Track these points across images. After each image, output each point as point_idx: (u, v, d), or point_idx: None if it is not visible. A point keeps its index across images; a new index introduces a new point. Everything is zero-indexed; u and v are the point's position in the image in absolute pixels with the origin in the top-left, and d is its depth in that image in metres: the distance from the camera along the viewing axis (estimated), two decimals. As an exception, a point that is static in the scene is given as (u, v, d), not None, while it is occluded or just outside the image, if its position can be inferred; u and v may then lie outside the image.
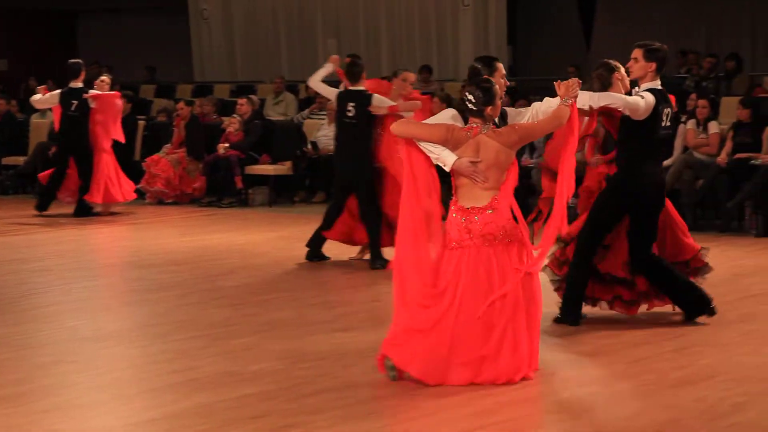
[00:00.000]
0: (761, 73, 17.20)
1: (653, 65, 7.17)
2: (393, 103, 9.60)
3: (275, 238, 11.79)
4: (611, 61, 7.38)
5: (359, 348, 6.89)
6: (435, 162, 6.16)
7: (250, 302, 8.40)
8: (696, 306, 7.39)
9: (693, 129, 12.18)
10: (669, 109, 7.17)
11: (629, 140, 7.19)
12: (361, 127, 9.72)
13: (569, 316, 7.37)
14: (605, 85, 7.26)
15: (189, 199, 14.94)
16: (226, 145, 14.72)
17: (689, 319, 7.43)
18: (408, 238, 6.16)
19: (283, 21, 20.44)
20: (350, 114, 9.72)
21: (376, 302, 8.44)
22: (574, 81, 6.34)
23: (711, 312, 7.36)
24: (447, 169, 6.11)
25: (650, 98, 7.05)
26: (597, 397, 5.78)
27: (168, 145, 15.30)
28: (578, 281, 7.36)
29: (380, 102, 9.62)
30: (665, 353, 6.63)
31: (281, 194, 14.99)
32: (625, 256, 7.36)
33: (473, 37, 18.86)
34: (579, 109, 6.49)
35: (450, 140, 6.07)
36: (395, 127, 6.23)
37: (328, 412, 5.54)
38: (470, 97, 6.06)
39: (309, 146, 14.93)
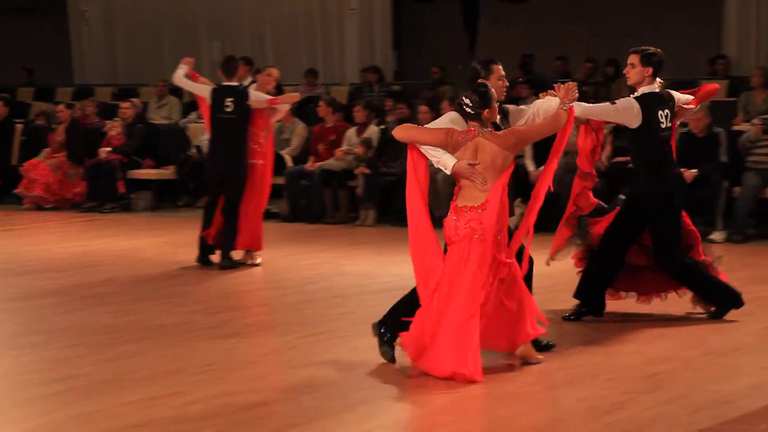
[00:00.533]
0: (639, 79, 17.60)
1: (650, 70, 7.37)
2: (270, 97, 9.88)
3: (159, 243, 11.62)
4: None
5: (245, 354, 6.83)
6: (436, 165, 6.37)
7: (132, 309, 8.26)
8: (726, 300, 7.53)
9: (573, 134, 12.37)
10: (668, 110, 7.32)
11: (636, 148, 7.42)
12: (239, 122, 9.84)
13: (590, 306, 7.54)
14: None
15: (69, 204, 14.64)
16: (108, 149, 14.47)
17: (720, 314, 7.55)
18: (421, 238, 6.50)
19: (166, 23, 20.18)
20: (228, 109, 9.82)
21: (262, 307, 8.38)
22: (572, 85, 6.50)
23: (740, 304, 7.51)
24: (448, 172, 6.32)
25: (626, 103, 7.24)
26: (478, 400, 5.82)
27: (47, 149, 14.97)
28: (599, 278, 7.52)
29: (258, 97, 9.83)
30: (548, 354, 6.70)
31: (165, 199, 14.79)
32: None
33: (359, 40, 18.89)
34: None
35: (449, 143, 6.28)
36: (398, 132, 6.49)
37: (214, 419, 5.46)
38: (467, 101, 6.25)
39: (193, 150, 14.77)
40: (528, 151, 12.62)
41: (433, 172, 12.97)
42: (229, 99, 9.81)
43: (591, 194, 7.68)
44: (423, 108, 13.41)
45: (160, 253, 10.85)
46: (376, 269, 9.95)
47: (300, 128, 14.32)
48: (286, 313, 8.20)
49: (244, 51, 17.79)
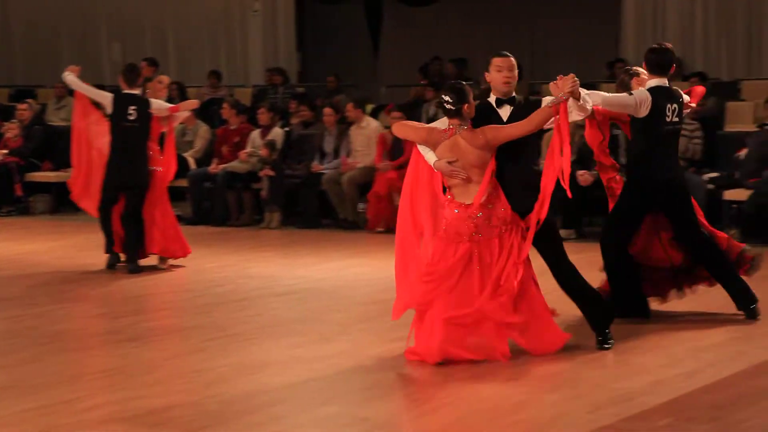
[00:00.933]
0: (540, 81, 17.84)
1: (649, 67, 7.52)
2: (171, 105, 10.07)
3: (58, 246, 11.42)
4: (633, 68, 7.80)
5: (148, 358, 6.74)
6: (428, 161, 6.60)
7: (30, 314, 8.09)
8: (746, 297, 7.59)
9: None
10: (675, 105, 7.43)
11: (636, 138, 7.51)
12: (141, 130, 9.88)
13: (626, 309, 7.50)
14: (627, 90, 7.56)
15: (-36, 208, 14.31)
16: (5, 151, 14.19)
17: (746, 309, 7.58)
18: (407, 226, 6.68)
19: (65, 23, 19.82)
20: (131, 117, 9.82)
21: (167, 310, 8.29)
22: (569, 77, 6.51)
23: (754, 306, 7.59)
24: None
25: (642, 94, 7.35)
26: (386, 399, 5.83)
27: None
28: (619, 274, 7.52)
29: (159, 105, 9.94)
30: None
31: (64, 202, 14.53)
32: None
33: (262, 42, 18.80)
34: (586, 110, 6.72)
35: (429, 141, 6.59)
36: (396, 129, 6.82)
37: (115, 425, 5.38)
38: (446, 98, 6.51)
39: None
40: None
41: (337, 175, 13.01)
42: (132, 107, 9.84)
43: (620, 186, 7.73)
44: (327, 110, 13.42)
45: (60, 257, 10.67)
46: (281, 272, 9.91)
47: (203, 130, 14.20)
48: (191, 316, 8.12)
49: (145, 52, 17.60)
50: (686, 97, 7.68)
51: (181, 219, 13.42)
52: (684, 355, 6.63)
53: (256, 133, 13.59)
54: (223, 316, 8.03)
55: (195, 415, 5.55)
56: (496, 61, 6.83)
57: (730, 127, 12.98)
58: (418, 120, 15.08)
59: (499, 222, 6.51)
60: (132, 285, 9.35)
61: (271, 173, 13.02)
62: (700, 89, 8.00)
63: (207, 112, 15.36)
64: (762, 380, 6.12)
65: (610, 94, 7.41)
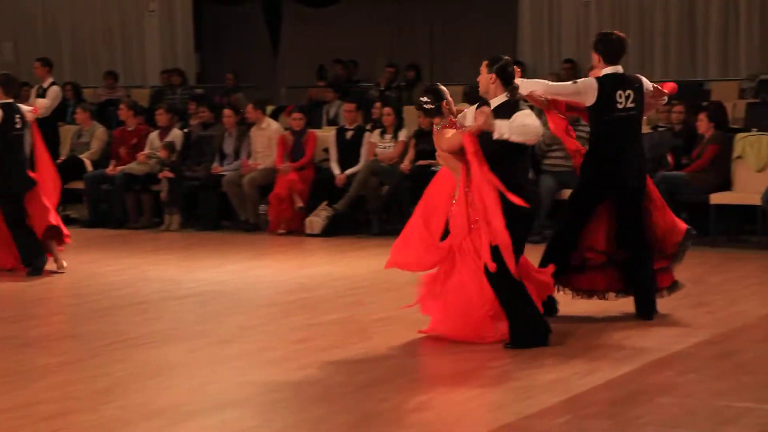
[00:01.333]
0: (439, 83, 17.96)
1: (599, 56, 7.61)
2: (31, 108, 10.35)
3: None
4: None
5: (43, 363, 6.62)
6: None
7: None
8: (651, 306, 7.73)
9: (377, 138, 12.54)
10: (630, 91, 7.48)
11: (591, 125, 7.61)
12: (24, 138, 10.02)
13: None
14: None
15: None
16: None
17: (646, 316, 7.68)
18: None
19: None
20: (18, 126, 9.85)
21: (63, 315, 8.15)
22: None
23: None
24: None
25: (586, 82, 7.49)
26: (287, 402, 5.81)
27: None
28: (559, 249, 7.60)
29: (26, 109, 10.13)
30: (353, 356, 6.76)
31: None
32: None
33: (160, 42, 18.59)
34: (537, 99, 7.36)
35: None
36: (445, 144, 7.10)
37: (9, 433, 5.28)
38: (424, 99, 7.03)
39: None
40: (333, 154, 12.69)
41: (237, 177, 12.93)
42: (18, 116, 9.87)
43: None
44: (227, 112, 13.32)
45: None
46: (181, 274, 9.82)
47: (99, 132, 13.99)
48: (89, 320, 7.99)
49: (38, 52, 17.23)
50: (648, 84, 7.67)
51: (77, 221, 13.27)
52: (581, 354, 6.74)
53: (154, 135, 13.43)
54: (121, 320, 7.91)
55: (93, 421, 5.46)
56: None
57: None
58: (319, 121, 15.09)
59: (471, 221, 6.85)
60: (27, 289, 9.17)
61: (171, 175, 12.89)
62: (671, 85, 8.09)
63: (104, 113, 15.15)
64: (657, 377, 6.25)
65: (553, 83, 7.63)
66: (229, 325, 7.70)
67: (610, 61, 7.57)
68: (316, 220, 12.22)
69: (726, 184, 11.29)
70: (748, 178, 11.24)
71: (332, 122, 14.76)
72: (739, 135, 11.45)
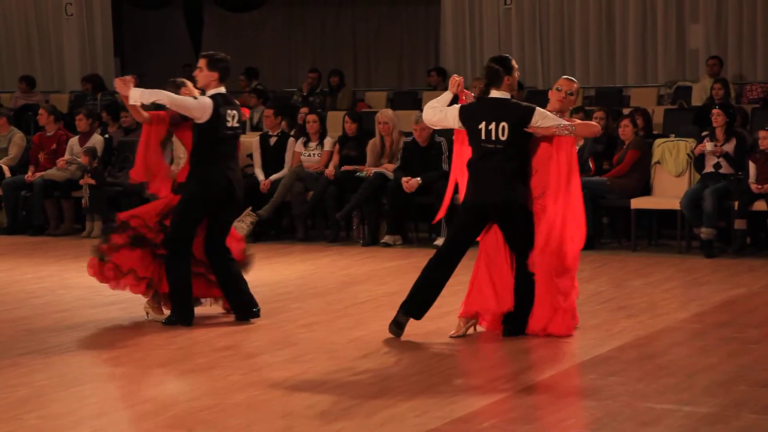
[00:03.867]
0: (363, 89, 18.01)
1: (216, 74, 7.69)
2: None
3: None
4: (179, 79, 8.05)
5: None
6: None
7: None
8: (246, 308, 7.85)
9: (301, 147, 12.51)
10: (235, 111, 7.72)
11: (199, 144, 7.68)
12: None
13: (180, 317, 7.68)
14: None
15: None
16: None
17: (243, 318, 7.85)
18: None
19: None
20: None
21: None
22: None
23: (256, 314, 7.87)
24: None
25: (205, 99, 7.59)
26: (213, 410, 5.77)
27: None
28: (182, 278, 7.64)
29: None
30: (279, 362, 6.74)
31: None
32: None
33: (79, 47, 18.34)
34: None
35: None
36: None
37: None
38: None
39: None
40: (257, 160, 12.64)
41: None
42: None
43: None
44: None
45: None
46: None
47: (17, 137, 13.77)
48: (8, 329, 7.84)
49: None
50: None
51: (-5, 229, 13.06)
52: (506, 358, 6.79)
53: (74, 140, 13.25)
54: (41, 329, 7.79)
55: (13, 431, 5.37)
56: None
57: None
58: (244, 127, 15.00)
59: None
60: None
61: (92, 182, 12.72)
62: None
63: (21, 119, 14.91)
64: (580, 380, 6.32)
65: (177, 96, 7.68)
66: (152, 333, 7.62)
67: (223, 80, 7.75)
68: (241, 225, 12.14)
69: (647, 189, 11.46)
70: (667, 183, 11.43)
71: (256, 128, 14.69)
72: (658, 141, 11.63)
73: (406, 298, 7.34)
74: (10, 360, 6.86)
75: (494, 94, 7.28)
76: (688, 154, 11.31)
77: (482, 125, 7.18)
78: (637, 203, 11.21)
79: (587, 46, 16.01)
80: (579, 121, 7.42)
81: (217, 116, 7.61)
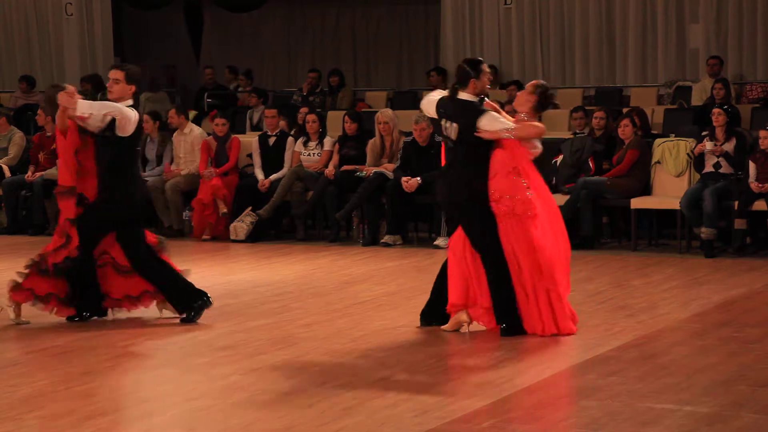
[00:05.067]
0: (363, 89, 18.02)
1: (134, 88, 7.83)
2: None
3: None
4: (61, 84, 8.16)
5: (-39, 374, 6.50)
6: None
7: None
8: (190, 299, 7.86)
9: (301, 147, 12.51)
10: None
11: (119, 156, 7.73)
12: None
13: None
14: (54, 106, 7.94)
15: None
16: None
17: (186, 318, 7.85)
18: None
19: None
20: None
21: (-20, 324, 7.98)
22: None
23: (207, 303, 7.86)
24: None
25: (130, 112, 7.67)
26: (212, 410, 5.77)
27: None
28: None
29: None
30: (279, 362, 6.74)
31: None
32: None
33: (79, 47, 18.35)
34: None
35: None
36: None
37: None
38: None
39: None
40: (256, 159, 12.64)
41: (160, 182, 12.81)
42: None
43: None
44: (146, 117, 13.17)
45: None
46: (102, 282, 9.67)
47: (17, 137, 13.77)
48: (8, 329, 7.85)
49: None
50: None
51: (-5, 228, 13.07)
52: (506, 357, 6.79)
53: (74, 140, 13.23)
54: (42, 327, 7.79)
55: (13, 431, 5.38)
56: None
57: (545, 134, 13.33)
58: (243, 127, 15.02)
59: None
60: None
61: (91, 181, 12.70)
62: None
63: (21, 119, 14.91)
64: (580, 380, 6.32)
65: (125, 108, 7.71)
66: (150, 333, 7.62)
67: (139, 91, 7.92)
68: (241, 225, 12.16)
69: (647, 189, 11.46)
70: (668, 183, 11.43)
71: (256, 128, 14.69)
72: (658, 140, 11.64)
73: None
74: (11, 359, 6.86)
75: (461, 95, 7.37)
76: (687, 154, 11.32)
77: (443, 123, 7.43)
78: (637, 203, 11.21)
79: (587, 45, 16.02)
80: (523, 124, 7.45)
81: (140, 130, 7.81)
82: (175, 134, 13.04)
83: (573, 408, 5.70)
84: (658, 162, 11.49)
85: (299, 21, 20.08)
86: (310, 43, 20.07)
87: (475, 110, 7.31)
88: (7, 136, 13.74)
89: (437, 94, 7.56)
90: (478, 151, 7.33)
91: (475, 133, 7.27)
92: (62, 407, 5.79)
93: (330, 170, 12.21)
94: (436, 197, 7.55)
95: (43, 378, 6.37)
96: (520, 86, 14.79)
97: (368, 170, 12.02)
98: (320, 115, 13.12)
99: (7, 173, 13.40)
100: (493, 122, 7.27)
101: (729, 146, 11.00)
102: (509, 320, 7.28)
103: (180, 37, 20.43)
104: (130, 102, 7.81)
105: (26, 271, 7.81)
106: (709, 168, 11.04)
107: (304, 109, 13.34)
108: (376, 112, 12.81)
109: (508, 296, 7.27)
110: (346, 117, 12.59)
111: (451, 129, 7.37)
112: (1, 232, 13.03)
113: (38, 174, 13.12)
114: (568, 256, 7.39)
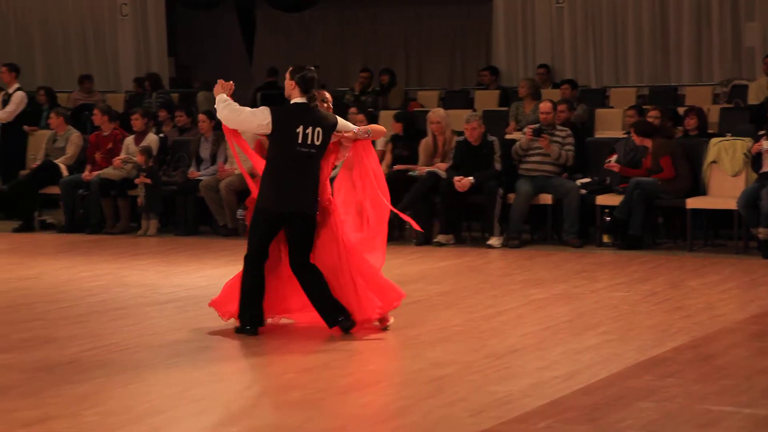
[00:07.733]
0: (415, 88, 18.02)
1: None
2: None
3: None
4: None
5: (20, 370, 6.57)
6: None
7: None
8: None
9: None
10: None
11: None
12: None
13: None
14: None
15: None
16: None
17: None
18: None
19: None
20: None
21: (39, 321, 8.08)
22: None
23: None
24: None
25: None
26: (266, 407, 5.80)
27: None
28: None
29: None
30: (333, 361, 6.76)
31: None
32: None
33: (133, 47, 18.54)
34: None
35: None
36: None
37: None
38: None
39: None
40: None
41: (214, 182, 12.89)
42: None
43: None
44: (202, 116, 13.28)
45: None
46: (159, 280, 9.77)
47: (74, 137, 13.92)
48: (66, 326, 7.94)
49: (11, 57, 17.15)
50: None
51: (54, 227, 13.22)
52: (561, 358, 6.76)
53: (130, 140, 13.38)
54: (98, 326, 7.88)
55: (72, 427, 5.44)
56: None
57: (599, 134, 13.29)
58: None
59: None
60: (3, 295, 9.11)
61: (148, 181, 12.84)
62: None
63: (79, 118, 15.08)
64: (636, 381, 6.27)
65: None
66: (207, 331, 7.68)
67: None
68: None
69: (697, 186, 11.35)
70: (724, 182, 11.31)
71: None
72: (714, 140, 11.52)
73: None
74: (68, 356, 6.94)
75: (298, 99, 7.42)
76: (744, 154, 11.19)
77: (299, 129, 7.32)
78: (693, 203, 11.11)
79: (641, 44, 15.91)
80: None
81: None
82: (229, 134, 13.08)
83: (630, 409, 5.66)
84: (714, 162, 11.37)
85: (351, 20, 20.12)
86: (363, 42, 20.11)
87: (331, 115, 7.60)
88: (64, 136, 13.89)
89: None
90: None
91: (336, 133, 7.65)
92: (120, 404, 5.85)
93: (383, 170, 12.20)
94: (269, 205, 7.64)
95: (101, 375, 6.44)
96: (574, 85, 14.72)
97: (421, 170, 12.02)
98: (372, 114, 13.13)
99: (65, 172, 13.56)
100: (347, 125, 7.71)
101: (786, 145, 10.86)
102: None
103: (233, 37, 20.55)
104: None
105: None
106: (766, 168, 10.90)
107: (352, 110, 13.37)
108: (428, 111, 12.81)
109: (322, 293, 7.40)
110: (392, 118, 12.65)
111: (314, 135, 7.46)
112: (59, 231, 13.18)
113: (95, 173, 13.25)
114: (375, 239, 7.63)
